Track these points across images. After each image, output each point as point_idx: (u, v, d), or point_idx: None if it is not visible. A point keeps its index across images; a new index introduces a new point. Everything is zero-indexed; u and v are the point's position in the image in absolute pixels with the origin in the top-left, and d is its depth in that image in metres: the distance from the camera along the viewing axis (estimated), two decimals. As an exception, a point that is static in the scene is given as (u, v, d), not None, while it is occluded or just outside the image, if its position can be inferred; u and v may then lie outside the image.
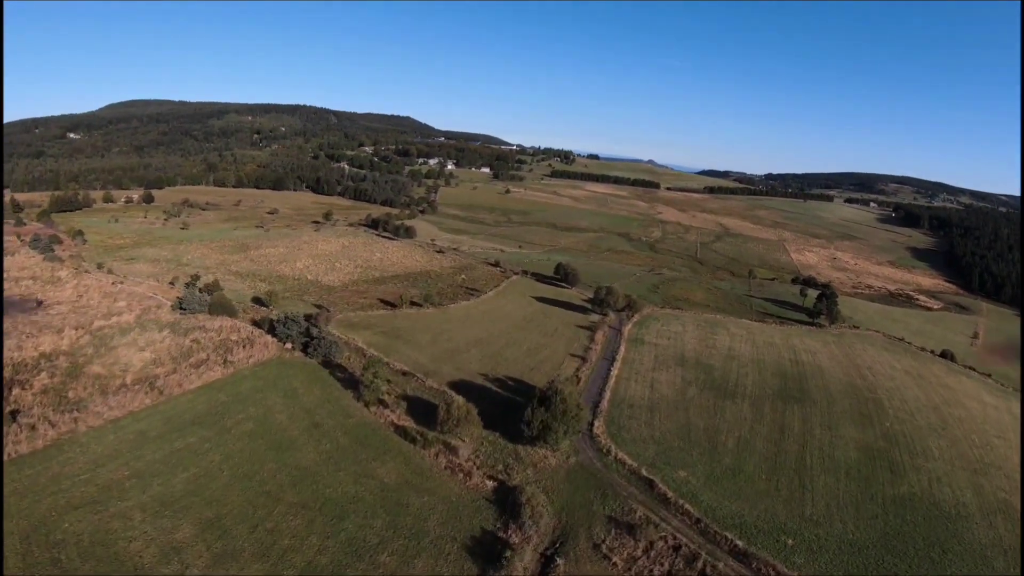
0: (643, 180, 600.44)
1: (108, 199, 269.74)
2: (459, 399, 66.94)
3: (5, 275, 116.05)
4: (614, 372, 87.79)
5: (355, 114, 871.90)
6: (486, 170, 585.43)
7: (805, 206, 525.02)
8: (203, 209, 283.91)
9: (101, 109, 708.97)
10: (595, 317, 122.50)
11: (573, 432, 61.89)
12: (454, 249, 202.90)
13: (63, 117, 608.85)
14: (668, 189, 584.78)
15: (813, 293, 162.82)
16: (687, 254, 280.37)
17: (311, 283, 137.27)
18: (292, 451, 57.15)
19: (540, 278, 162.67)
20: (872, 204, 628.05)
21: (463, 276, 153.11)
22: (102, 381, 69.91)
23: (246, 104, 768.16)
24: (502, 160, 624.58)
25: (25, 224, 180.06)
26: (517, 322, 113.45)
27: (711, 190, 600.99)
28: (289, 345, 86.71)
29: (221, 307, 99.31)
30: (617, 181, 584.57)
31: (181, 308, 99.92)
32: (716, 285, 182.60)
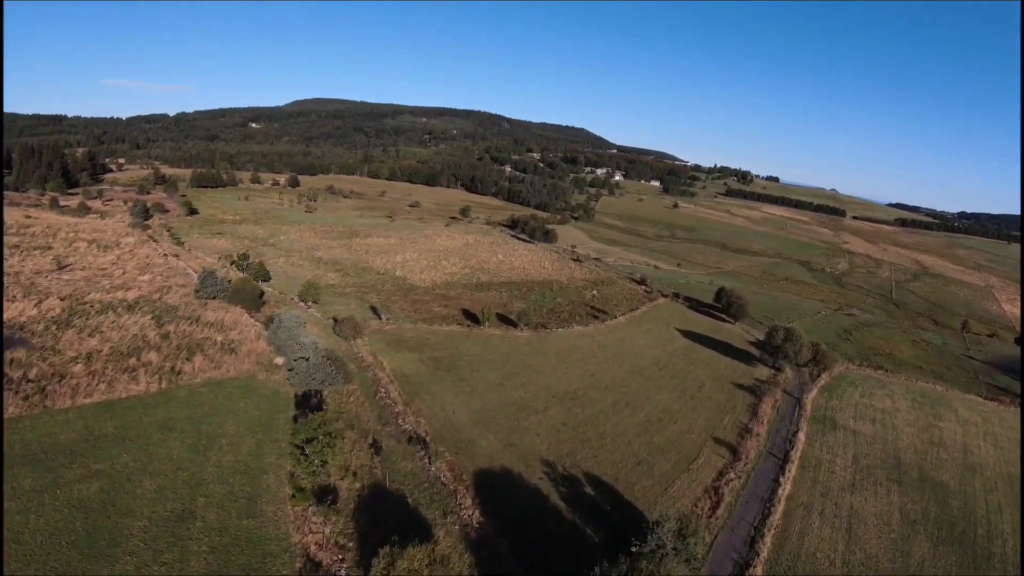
0: (826, 206, 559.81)
1: (255, 180, 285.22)
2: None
3: (67, 229, 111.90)
4: (783, 489, 49.61)
5: (528, 122, 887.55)
6: (656, 184, 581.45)
7: (1009, 249, 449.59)
8: (345, 197, 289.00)
9: (287, 104, 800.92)
10: (763, 371, 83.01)
11: None
12: (596, 259, 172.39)
13: (248, 109, 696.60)
14: (855, 218, 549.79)
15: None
16: (879, 292, 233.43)
17: (396, 279, 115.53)
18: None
19: (695, 305, 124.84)
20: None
21: (594, 292, 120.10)
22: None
23: (421, 107, 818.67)
24: (674, 175, 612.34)
25: (149, 193, 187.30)
26: (644, 366, 77.65)
27: (903, 223, 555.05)
28: (280, 360, 62.11)
29: (241, 296, 78.95)
30: (798, 205, 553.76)
31: (196, 292, 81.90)
32: (923, 337, 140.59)
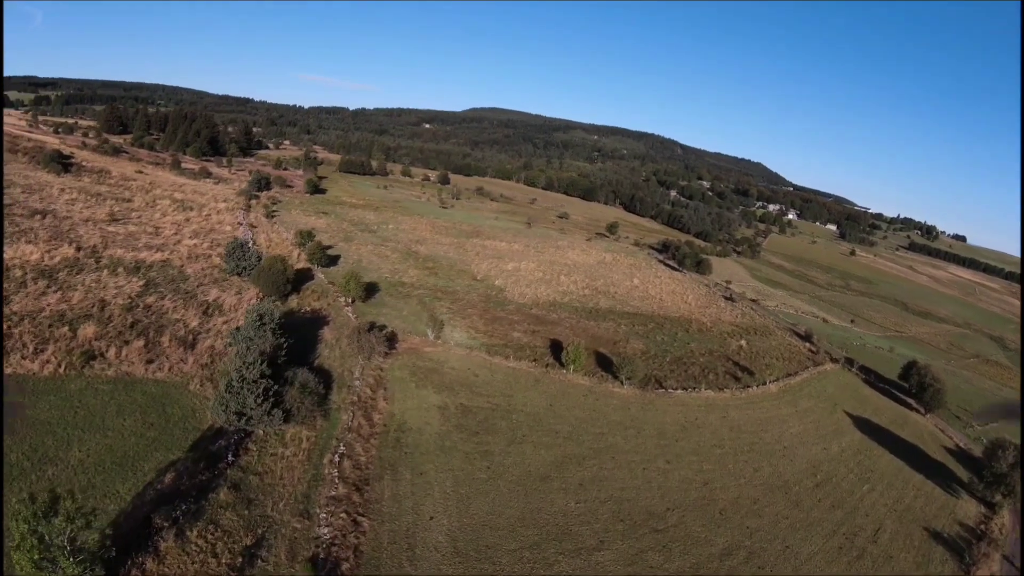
0: (1019, 274, 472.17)
1: (406, 173, 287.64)
2: None
3: (168, 187, 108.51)
4: None
5: (702, 151, 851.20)
6: (832, 227, 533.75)
7: None
8: (492, 199, 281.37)
9: (463, 111, 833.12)
10: (969, 508, 54.05)
11: None
12: (752, 301, 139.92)
13: (425, 111, 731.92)
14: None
15: None
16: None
17: (490, 289, 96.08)
18: None
19: (873, 378, 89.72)
20: None
21: (741, 343, 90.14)
22: None
23: (594, 124, 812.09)
24: (852, 220, 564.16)
25: (286, 169, 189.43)
26: (793, 476, 49.37)
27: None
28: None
29: (264, 278, 63.99)
30: (987, 269, 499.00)
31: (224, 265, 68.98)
32: None
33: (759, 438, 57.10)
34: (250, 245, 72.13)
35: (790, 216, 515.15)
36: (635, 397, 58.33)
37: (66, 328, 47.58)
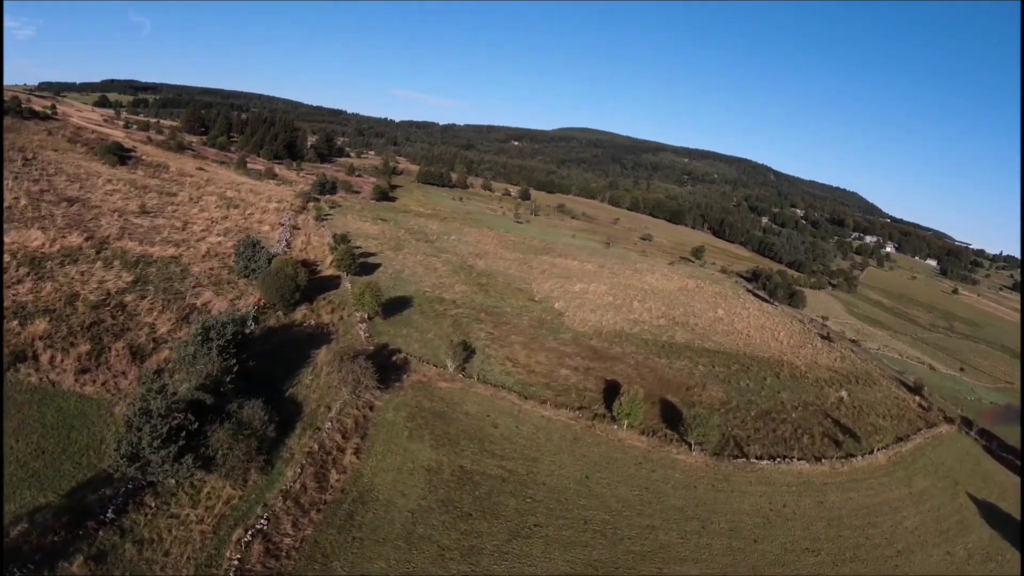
0: None
1: (487, 187, 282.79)
2: None
3: (222, 183, 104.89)
4: None
5: (796, 178, 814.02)
6: (931, 263, 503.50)
7: None
8: (573, 217, 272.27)
9: (553, 130, 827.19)
10: None
11: None
12: (852, 341, 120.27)
13: (514, 128, 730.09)
14: None
15: None
16: None
17: (547, 313, 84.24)
18: None
19: (995, 445, 70.97)
20: None
21: (842, 394, 73.10)
22: None
23: (684, 147, 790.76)
24: (953, 256, 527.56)
25: (360, 176, 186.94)
26: None
27: None
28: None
29: (269, 283, 55.38)
30: None
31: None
32: None
33: (866, 537, 41.97)
34: (264, 245, 64.13)
35: (888, 249, 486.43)
36: (705, 469, 44.32)
37: (16, 322, 40.46)
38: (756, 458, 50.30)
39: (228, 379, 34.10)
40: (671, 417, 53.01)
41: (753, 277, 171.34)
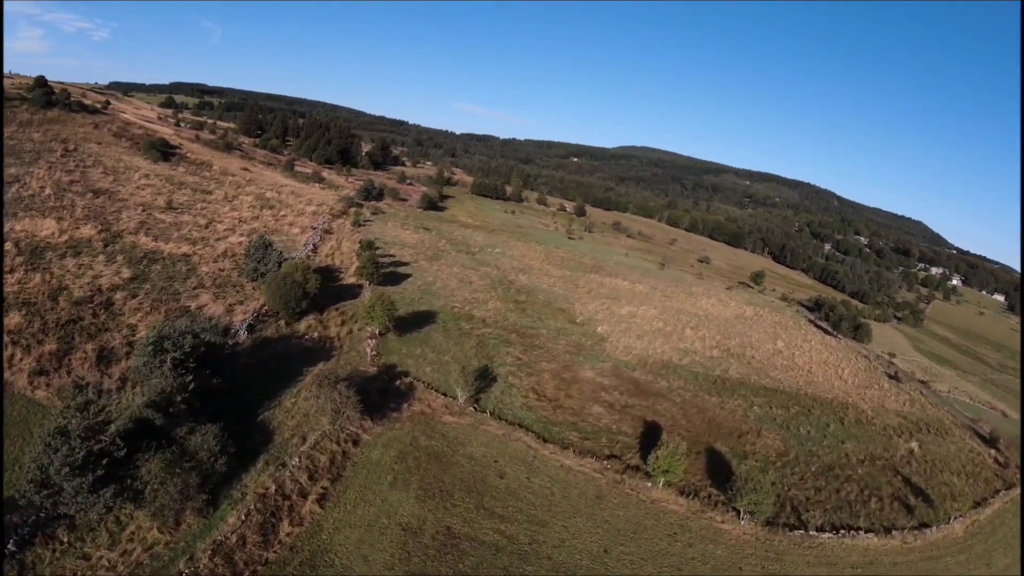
0: None
1: (542, 201, 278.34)
2: None
3: (263, 184, 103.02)
4: None
5: (860, 204, 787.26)
6: (1000, 298, 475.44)
7: None
8: (629, 236, 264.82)
9: (614, 148, 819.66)
10: None
11: None
12: (921, 383, 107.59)
13: (574, 145, 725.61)
14: None
15: None
16: None
17: (586, 337, 77.21)
18: None
19: None
20: None
21: (912, 446, 63.04)
22: None
23: (746, 170, 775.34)
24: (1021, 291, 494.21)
25: (410, 184, 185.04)
26: None
27: None
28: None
29: (274, 289, 50.89)
30: None
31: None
32: None
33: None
34: (275, 246, 59.86)
35: (954, 281, 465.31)
36: (755, 544, 36.39)
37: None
38: (816, 529, 41.87)
39: (180, 398, 28.92)
40: (718, 471, 45.10)
41: (815, 307, 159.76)
